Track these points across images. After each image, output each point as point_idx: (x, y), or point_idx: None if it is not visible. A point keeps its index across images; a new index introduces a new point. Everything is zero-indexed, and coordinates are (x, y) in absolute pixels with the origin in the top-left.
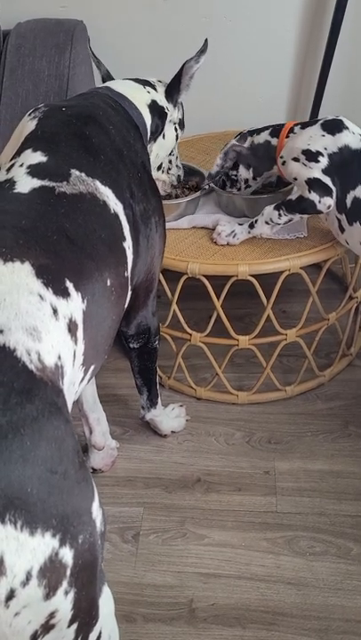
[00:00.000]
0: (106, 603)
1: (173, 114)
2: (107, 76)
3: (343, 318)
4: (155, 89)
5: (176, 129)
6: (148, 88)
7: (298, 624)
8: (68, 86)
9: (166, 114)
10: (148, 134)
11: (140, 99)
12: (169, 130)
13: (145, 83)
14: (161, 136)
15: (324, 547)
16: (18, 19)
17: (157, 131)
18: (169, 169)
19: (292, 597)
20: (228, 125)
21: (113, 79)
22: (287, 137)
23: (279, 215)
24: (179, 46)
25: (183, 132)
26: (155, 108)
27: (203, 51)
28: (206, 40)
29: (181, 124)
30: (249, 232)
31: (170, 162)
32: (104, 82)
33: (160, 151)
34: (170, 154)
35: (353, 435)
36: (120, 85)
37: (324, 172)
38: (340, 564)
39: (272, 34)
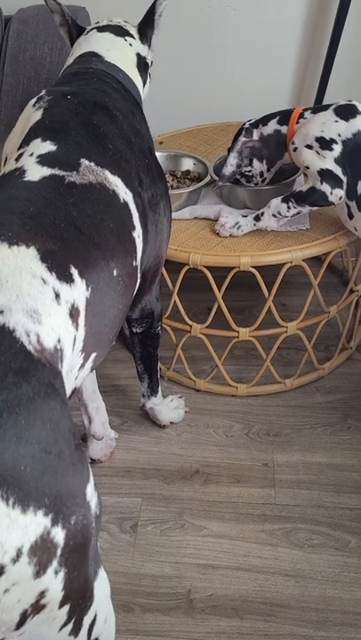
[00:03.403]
0: (102, 586)
1: (149, 56)
2: (68, 23)
3: (343, 311)
4: (132, 36)
5: (150, 74)
6: (129, 39)
7: (295, 615)
8: None
9: (148, 64)
10: (142, 97)
11: (129, 62)
12: (149, 76)
13: (122, 32)
14: (146, 87)
15: (322, 539)
16: (20, 4)
17: (144, 85)
18: None
19: (290, 589)
20: (230, 116)
21: (78, 26)
22: (297, 122)
23: (288, 208)
24: (182, 35)
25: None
26: (140, 63)
27: None
28: None
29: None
30: (255, 225)
31: None
32: (70, 32)
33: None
34: None
35: (352, 428)
36: (105, 47)
37: (336, 160)
38: (338, 556)
39: (276, 23)
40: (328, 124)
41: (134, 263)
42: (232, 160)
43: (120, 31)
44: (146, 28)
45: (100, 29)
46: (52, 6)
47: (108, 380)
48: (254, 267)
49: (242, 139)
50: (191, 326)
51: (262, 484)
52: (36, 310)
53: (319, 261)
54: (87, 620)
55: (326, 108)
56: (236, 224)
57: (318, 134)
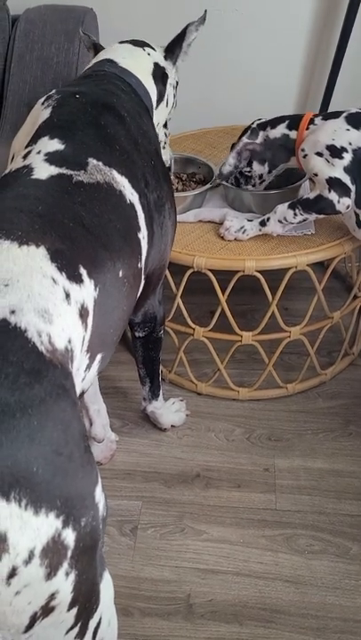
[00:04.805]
0: (107, 589)
1: (172, 74)
2: (94, 46)
3: (346, 317)
4: (152, 48)
5: (174, 95)
6: (148, 49)
7: (295, 622)
8: (76, 74)
9: (168, 75)
10: (154, 106)
11: (144, 69)
12: (170, 94)
13: (142, 44)
14: (164, 102)
15: (322, 545)
16: (27, 4)
17: (161, 97)
18: (164, 144)
19: (290, 595)
20: (235, 119)
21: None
22: (307, 129)
23: (295, 215)
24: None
25: (175, 107)
26: (157, 73)
27: (203, 19)
28: (206, 11)
29: (175, 90)
30: (260, 229)
31: (165, 134)
32: (95, 50)
33: (160, 119)
34: (164, 125)
35: (354, 434)
36: (122, 55)
37: (346, 169)
38: (339, 563)
39: (283, 27)
40: (339, 132)
41: (139, 265)
42: (230, 160)
43: (140, 43)
44: (174, 47)
45: (122, 42)
46: (87, 43)
47: (109, 382)
48: (259, 271)
49: (244, 140)
50: (194, 329)
51: (263, 489)
52: (47, 310)
53: (321, 266)
54: (92, 624)
55: (337, 115)
56: (242, 228)
57: (329, 142)
